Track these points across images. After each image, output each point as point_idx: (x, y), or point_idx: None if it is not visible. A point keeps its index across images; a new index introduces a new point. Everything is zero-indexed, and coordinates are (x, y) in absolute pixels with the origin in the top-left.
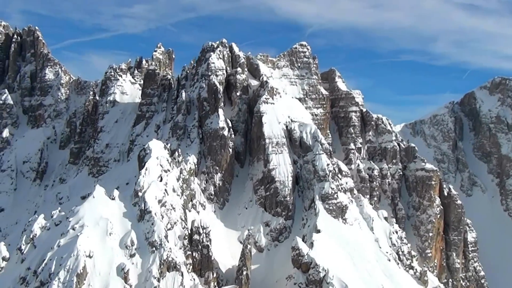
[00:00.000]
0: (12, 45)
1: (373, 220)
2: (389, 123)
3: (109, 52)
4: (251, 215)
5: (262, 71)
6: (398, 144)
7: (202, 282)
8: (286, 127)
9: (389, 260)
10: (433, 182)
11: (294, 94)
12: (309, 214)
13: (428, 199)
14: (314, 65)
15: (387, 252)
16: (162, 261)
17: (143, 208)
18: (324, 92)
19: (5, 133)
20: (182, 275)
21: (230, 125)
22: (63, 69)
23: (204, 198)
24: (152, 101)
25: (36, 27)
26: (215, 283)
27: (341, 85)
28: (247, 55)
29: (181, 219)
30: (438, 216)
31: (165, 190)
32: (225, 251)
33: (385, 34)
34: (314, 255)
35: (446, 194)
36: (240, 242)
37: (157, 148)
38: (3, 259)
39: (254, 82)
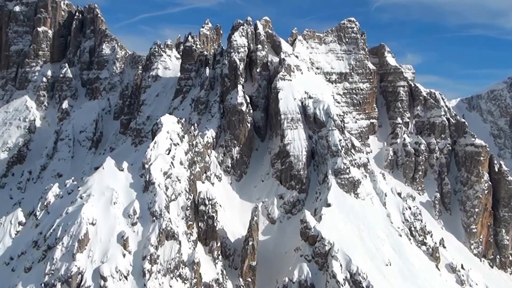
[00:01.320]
0: (74, 22)
1: (386, 196)
2: (442, 98)
3: (181, 25)
4: (267, 188)
5: (284, 48)
6: (448, 119)
7: (206, 251)
8: (302, 103)
9: (400, 236)
10: (481, 158)
11: (341, 69)
12: (322, 188)
13: (476, 174)
14: (362, 40)
15: (398, 228)
16: (161, 230)
17: (147, 179)
18: (371, 66)
19: (65, 104)
20: (180, 244)
21: (249, 100)
22: (119, 44)
23: (220, 170)
24: (190, 76)
25: (96, 5)
26: (219, 252)
27: (391, 60)
28: (270, 32)
29: (186, 191)
30: (486, 192)
31: (172, 162)
32: (237, 222)
33: (453, 8)
34: (321, 229)
35: (497, 170)
36: None
37: (169, 123)
38: (19, 223)
39: (276, 59)
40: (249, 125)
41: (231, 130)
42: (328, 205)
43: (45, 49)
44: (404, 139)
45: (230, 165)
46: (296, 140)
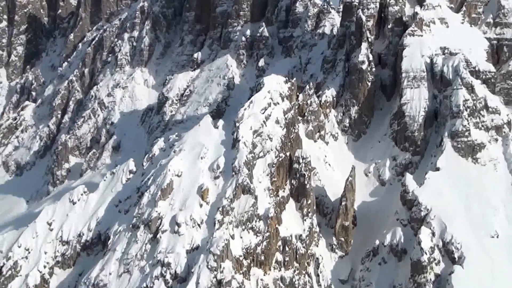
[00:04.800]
0: None
1: None
2: None
3: None
4: (382, 149)
5: (428, 1)
6: None
7: (297, 207)
8: (431, 60)
9: None
10: None
11: None
12: (438, 151)
13: None
14: None
15: None
16: (237, 184)
17: (235, 137)
18: None
19: (261, 62)
20: (256, 198)
21: (372, 58)
22: (312, 2)
23: (338, 130)
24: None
25: None
26: (309, 209)
27: None
28: None
29: (277, 149)
30: None
31: (264, 121)
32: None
33: None
34: (419, 193)
35: None
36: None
37: (272, 82)
38: (130, 172)
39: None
40: (369, 84)
41: (351, 89)
42: (437, 169)
43: (245, 9)
44: None
45: (347, 125)
46: (415, 99)
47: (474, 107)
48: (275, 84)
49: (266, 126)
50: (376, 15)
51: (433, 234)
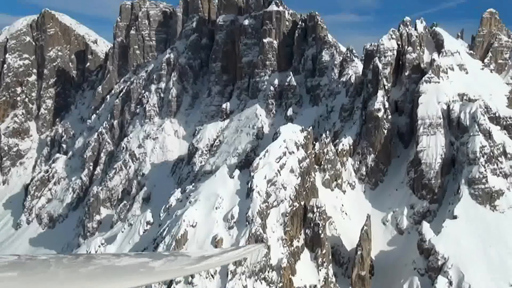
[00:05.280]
0: (297, 31)
1: None
2: None
3: (457, 20)
4: (399, 197)
5: (446, 47)
6: None
7: (312, 257)
8: (448, 107)
9: None
10: None
11: None
12: (455, 199)
13: None
14: None
15: None
16: (250, 234)
17: (249, 186)
18: None
19: (289, 111)
20: (268, 248)
21: (388, 106)
22: (338, 50)
23: (355, 178)
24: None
25: (317, 13)
26: (324, 259)
27: None
28: (436, 31)
29: (290, 198)
30: None
31: (278, 170)
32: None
33: None
34: (436, 242)
35: None
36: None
37: (288, 132)
38: (147, 223)
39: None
40: (385, 131)
41: (368, 137)
42: (454, 217)
43: (271, 59)
44: None
45: (364, 173)
46: (432, 146)
47: (491, 153)
48: (290, 133)
49: (280, 175)
50: (394, 63)
51: (451, 283)
